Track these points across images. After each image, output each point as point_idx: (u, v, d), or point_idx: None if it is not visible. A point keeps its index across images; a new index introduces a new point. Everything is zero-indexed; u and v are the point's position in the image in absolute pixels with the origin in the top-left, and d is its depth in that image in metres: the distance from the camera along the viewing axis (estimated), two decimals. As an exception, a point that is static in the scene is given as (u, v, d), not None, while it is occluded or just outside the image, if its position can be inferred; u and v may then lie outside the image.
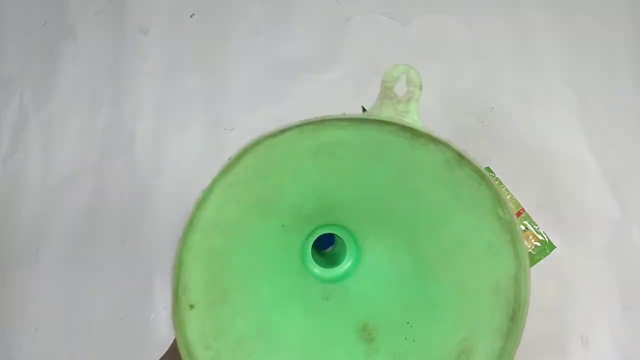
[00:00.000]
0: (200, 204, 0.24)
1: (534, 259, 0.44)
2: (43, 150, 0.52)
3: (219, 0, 0.56)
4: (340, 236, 0.28)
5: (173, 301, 0.23)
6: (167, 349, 0.46)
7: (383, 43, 0.53)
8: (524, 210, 0.45)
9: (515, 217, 0.23)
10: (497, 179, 0.44)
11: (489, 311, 0.24)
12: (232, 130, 0.51)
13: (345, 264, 0.29)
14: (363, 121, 0.24)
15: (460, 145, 0.23)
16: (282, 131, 0.23)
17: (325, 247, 0.31)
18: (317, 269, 0.28)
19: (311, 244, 0.28)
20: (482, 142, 0.49)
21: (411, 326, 0.26)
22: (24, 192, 0.51)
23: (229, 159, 0.23)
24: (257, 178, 0.24)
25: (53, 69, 0.55)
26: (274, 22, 0.55)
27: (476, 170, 0.23)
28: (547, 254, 0.44)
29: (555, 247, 0.45)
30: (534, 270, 0.45)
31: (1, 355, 0.47)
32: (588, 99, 0.50)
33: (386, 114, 0.23)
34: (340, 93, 0.52)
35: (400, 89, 0.24)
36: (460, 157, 0.23)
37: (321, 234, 0.28)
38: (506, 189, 0.45)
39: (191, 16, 0.56)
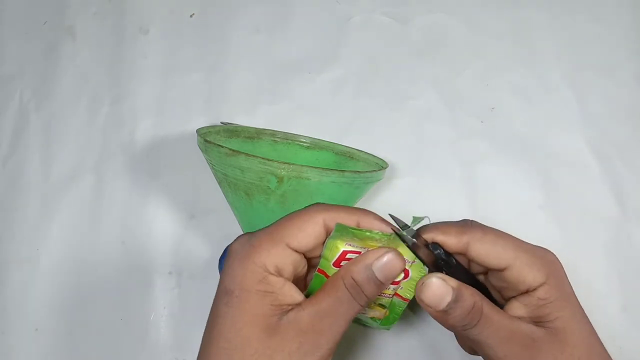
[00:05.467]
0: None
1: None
2: (43, 150, 0.52)
3: (219, 0, 0.56)
4: None
5: None
6: (166, 349, 0.46)
7: (383, 43, 0.53)
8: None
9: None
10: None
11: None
12: (232, 130, 0.51)
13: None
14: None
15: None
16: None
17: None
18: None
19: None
20: (482, 142, 0.49)
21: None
22: (24, 192, 0.51)
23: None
24: None
25: (53, 69, 0.55)
26: (274, 22, 0.55)
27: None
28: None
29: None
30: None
31: (1, 355, 0.47)
32: (588, 99, 0.50)
33: None
34: (340, 93, 0.52)
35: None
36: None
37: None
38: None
39: (191, 16, 0.56)
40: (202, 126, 0.43)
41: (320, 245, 0.29)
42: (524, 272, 0.29)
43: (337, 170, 0.36)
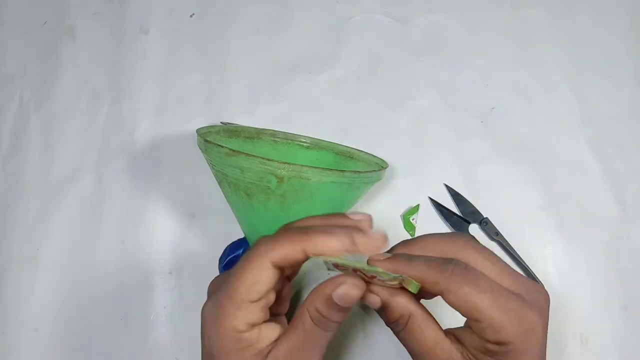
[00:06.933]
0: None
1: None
2: (43, 150, 0.52)
3: (219, 0, 0.56)
4: None
5: None
6: (166, 349, 0.46)
7: (383, 43, 0.53)
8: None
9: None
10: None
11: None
12: (232, 130, 0.51)
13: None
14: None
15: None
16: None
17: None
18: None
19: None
20: (482, 142, 0.49)
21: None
22: (24, 192, 0.51)
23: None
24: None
25: (53, 69, 0.55)
26: (274, 22, 0.55)
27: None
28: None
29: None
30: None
31: (1, 355, 0.47)
32: (588, 99, 0.50)
33: None
34: (340, 93, 0.52)
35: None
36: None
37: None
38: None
39: (191, 16, 0.56)
40: (202, 126, 0.43)
41: (278, 280, 0.30)
42: (492, 331, 0.28)
43: (337, 170, 0.36)
